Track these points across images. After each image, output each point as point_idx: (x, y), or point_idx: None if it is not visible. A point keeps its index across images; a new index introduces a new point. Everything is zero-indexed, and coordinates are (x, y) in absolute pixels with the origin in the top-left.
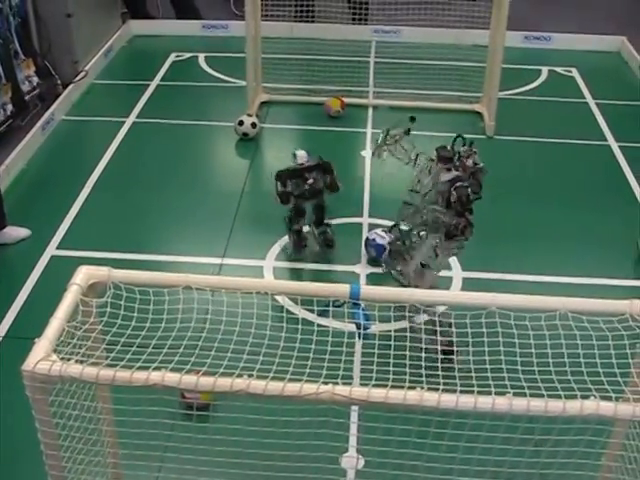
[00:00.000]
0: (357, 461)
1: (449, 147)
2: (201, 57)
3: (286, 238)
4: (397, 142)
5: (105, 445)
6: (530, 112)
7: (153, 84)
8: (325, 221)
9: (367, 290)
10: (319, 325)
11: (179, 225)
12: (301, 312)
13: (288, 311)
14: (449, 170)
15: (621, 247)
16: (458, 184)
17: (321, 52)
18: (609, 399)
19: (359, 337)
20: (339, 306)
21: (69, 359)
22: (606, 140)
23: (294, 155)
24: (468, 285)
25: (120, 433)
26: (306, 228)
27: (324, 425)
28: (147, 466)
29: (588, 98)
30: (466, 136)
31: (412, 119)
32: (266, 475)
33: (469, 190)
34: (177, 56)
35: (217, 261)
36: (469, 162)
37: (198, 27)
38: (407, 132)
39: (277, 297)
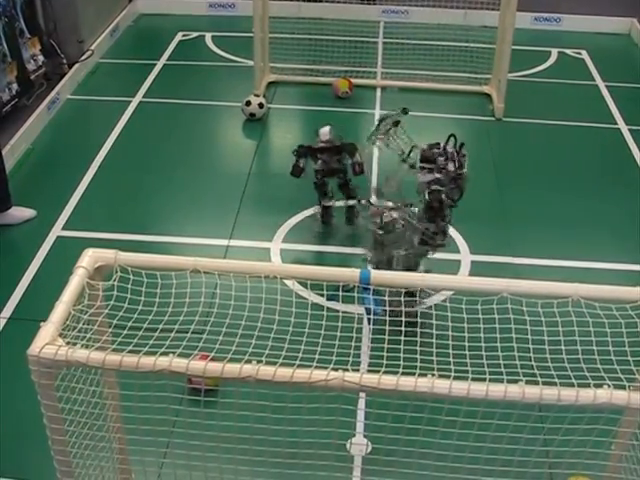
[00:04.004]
0: (365, 447)
1: (442, 145)
2: (208, 36)
3: (293, 221)
4: (388, 133)
5: (111, 430)
6: (539, 94)
7: (160, 63)
8: (352, 199)
9: (377, 274)
10: (329, 309)
11: (185, 206)
12: (311, 296)
13: (297, 295)
14: (430, 171)
15: (631, 231)
16: (433, 187)
17: (329, 32)
18: (622, 387)
19: (369, 322)
20: (349, 290)
21: (75, 344)
22: (616, 123)
23: (316, 132)
24: (476, 268)
25: (126, 418)
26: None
27: (332, 411)
28: (153, 451)
29: (598, 80)
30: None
31: (404, 111)
32: (273, 461)
33: (443, 195)
34: (184, 35)
35: (224, 243)
36: (450, 166)
37: (205, 6)
38: (396, 124)
39: (286, 281)
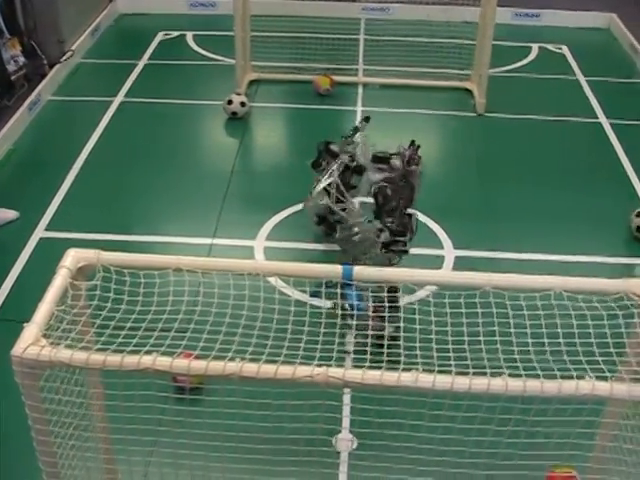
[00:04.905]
0: (351, 442)
1: (403, 148)
2: (189, 35)
3: (276, 218)
4: (352, 141)
5: (96, 430)
6: (520, 89)
7: (141, 63)
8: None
9: (360, 270)
10: (312, 306)
11: (168, 206)
12: (294, 293)
13: (280, 292)
14: (382, 171)
15: (613, 224)
16: (381, 184)
17: (310, 30)
18: (604, 379)
19: (352, 317)
20: (332, 287)
21: (58, 344)
22: (597, 117)
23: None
24: (460, 263)
25: (111, 418)
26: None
27: (317, 407)
28: (139, 451)
29: (579, 75)
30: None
31: (366, 119)
32: (260, 458)
33: (388, 190)
34: (165, 35)
35: (207, 241)
36: (397, 162)
37: (186, 5)
38: (354, 130)
39: (269, 278)
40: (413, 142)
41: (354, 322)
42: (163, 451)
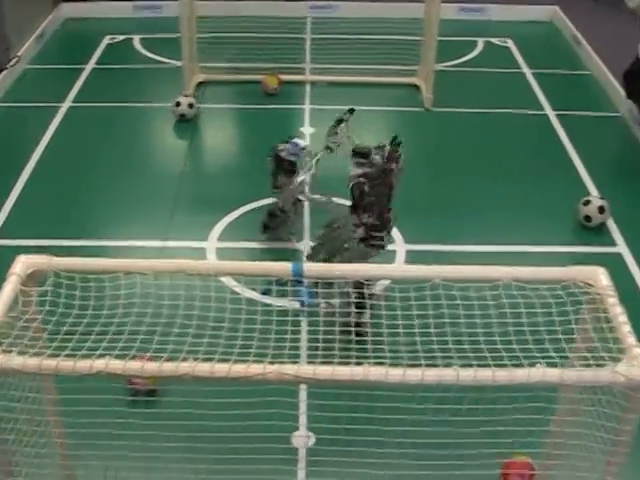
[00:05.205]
0: (308, 439)
1: (383, 145)
2: (136, 39)
3: (227, 219)
4: (335, 132)
5: (53, 436)
6: (467, 83)
7: (88, 68)
8: None
9: (310, 267)
10: (263, 304)
11: (120, 210)
12: (245, 292)
13: (232, 291)
14: (361, 165)
15: (561, 214)
16: (359, 180)
17: (257, 30)
18: (554, 365)
19: (303, 314)
20: (282, 284)
21: (10, 351)
22: (543, 109)
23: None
24: (411, 257)
25: (68, 423)
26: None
27: (273, 405)
28: (96, 455)
29: (524, 68)
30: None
31: (351, 111)
32: (219, 458)
33: (365, 187)
34: (111, 38)
35: (159, 244)
36: (377, 159)
37: (131, 9)
38: (339, 121)
39: (220, 278)
40: (395, 138)
41: (306, 318)
42: (120, 454)
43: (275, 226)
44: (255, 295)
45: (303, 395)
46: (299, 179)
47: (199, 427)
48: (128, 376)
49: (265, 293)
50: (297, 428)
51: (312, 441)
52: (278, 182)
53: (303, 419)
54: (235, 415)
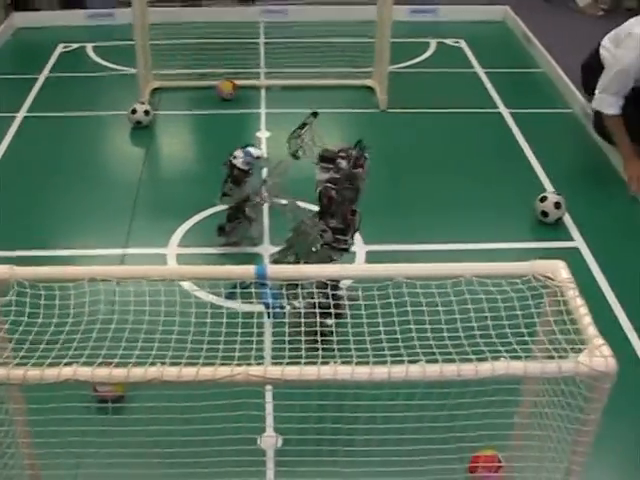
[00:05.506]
0: (276, 440)
1: (348, 149)
2: (89, 47)
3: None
4: (297, 136)
5: (20, 447)
6: (422, 84)
7: (42, 77)
8: None
9: (273, 269)
10: (228, 308)
11: (78, 219)
12: (209, 296)
13: (195, 296)
14: (328, 170)
15: (517, 210)
16: (326, 185)
17: (210, 35)
18: (518, 358)
19: (269, 317)
20: (246, 287)
21: None
22: (497, 107)
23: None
24: (372, 258)
25: (36, 432)
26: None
27: (239, 407)
28: (65, 464)
29: (477, 67)
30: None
31: (314, 114)
32: (186, 462)
33: (333, 192)
34: (65, 47)
35: (119, 252)
36: (343, 164)
37: (83, 17)
38: (303, 126)
39: (183, 283)
40: (360, 142)
41: (272, 321)
42: (89, 462)
43: (230, 229)
44: (215, 299)
45: (269, 396)
46: (253, 186)
47: (165, 433)
48: (95, 383)
49: (229, 297)
50: (264, 430)
51: (280, 442)
52: (226, 189)
53: (270, 420)
54: (201, 419)
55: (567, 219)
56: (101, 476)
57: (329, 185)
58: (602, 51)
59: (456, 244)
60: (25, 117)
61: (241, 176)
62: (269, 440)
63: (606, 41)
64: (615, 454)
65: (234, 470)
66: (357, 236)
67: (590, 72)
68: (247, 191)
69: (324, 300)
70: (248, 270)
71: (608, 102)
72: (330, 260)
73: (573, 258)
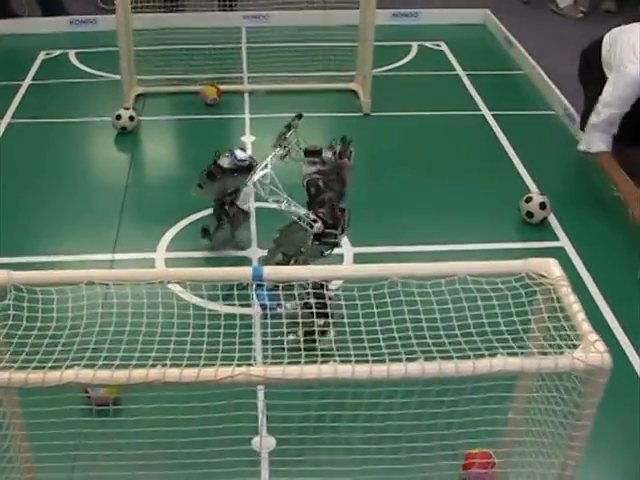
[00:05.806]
0: (269, 442)
1: (335, 143)
2: (72, 53)
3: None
4: (285, 138)
5: (17, 450)
6: (404, 87)
7: (25, 84)
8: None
9: (270, 270)
10: (224, 310)
11: (66, 225)
12: (206, 300)
13: (192, 299)
14: (314, 164)
15: (503, 211)
16: (314, 176)
17: (193, 41)
18: (514, 355)
19: (266, 317)
20: (243, 288)
21: None
22: (479, 109)
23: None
24: (360, 260)
25: (32, 436)
26: None
27: (233, 408)
28: (61, 467)
29: (458, 70)
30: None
31: (299, 117)
32: (181, 463)
33: (320, 182)
34: (47, 54)
35: (108, 257)
36: (329, 154)
37: (66, 23)
38: (288, 127)
39: (181, 287)
40: (344, 138)
41: (269, 321)
42: (85, 465)
43: (214, 231)
44: (202, 302)
45: (261, 397)
46: (229, 187)
47: (160, 434)
48: (96, 385)
49: (226, 299)
50: (257, 431)
51: (274, 443)
52: (200, 180)
53: (264, 421)
54: (196, 421)
55: (552, 219)
56: (96, 478)
57: (316, 176)
58: (603, 52)
59: (442, 245)
60: (9, 124)
61: (217, 172)
62: (263, 442)
63: (606, 40)
64: (601, 449)
65: (228, 471)
66: (344, 238)
67: (586, 65)
68: (221, 189)
69: (313, 300)
70: (246, 271)
71: (597, 138)
72: (321, 255)
73: (559, 257)
